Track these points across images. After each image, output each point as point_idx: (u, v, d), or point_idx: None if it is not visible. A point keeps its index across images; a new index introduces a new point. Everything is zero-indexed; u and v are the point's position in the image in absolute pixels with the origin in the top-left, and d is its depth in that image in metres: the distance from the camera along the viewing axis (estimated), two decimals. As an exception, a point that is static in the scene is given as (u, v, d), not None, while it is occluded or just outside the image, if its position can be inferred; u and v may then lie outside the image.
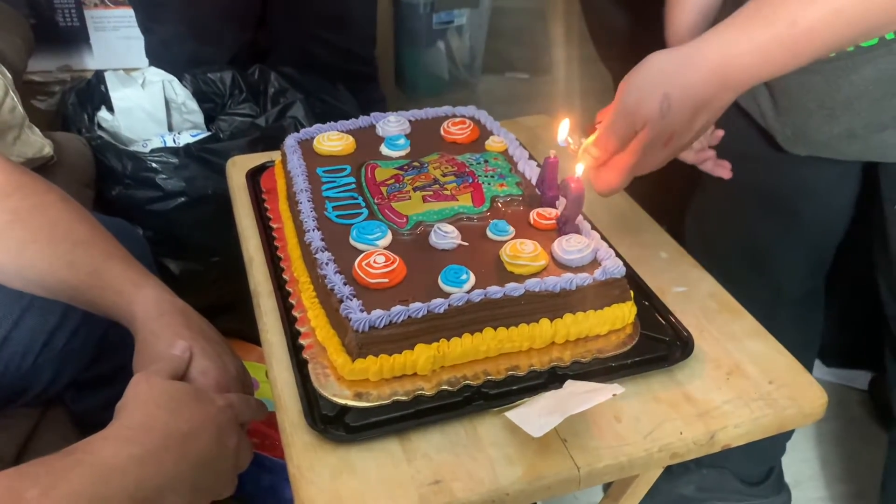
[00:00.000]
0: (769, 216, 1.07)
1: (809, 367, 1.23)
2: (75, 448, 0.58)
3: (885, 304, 0.99)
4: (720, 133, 0.91)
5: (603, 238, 0.75)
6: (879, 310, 1.02)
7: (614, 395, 0.60)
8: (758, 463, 1.35)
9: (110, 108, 1.46)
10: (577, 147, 0.73)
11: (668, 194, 1.51)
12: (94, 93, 1.46)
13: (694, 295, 0.78)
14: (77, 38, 1.83)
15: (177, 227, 1.38)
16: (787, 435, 1.32)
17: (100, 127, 1.44)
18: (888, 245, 0.94)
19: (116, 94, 1.44)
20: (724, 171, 0.93)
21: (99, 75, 1.47)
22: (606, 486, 1.37)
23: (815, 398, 0.68)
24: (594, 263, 0.70)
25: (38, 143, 1.19)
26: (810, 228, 1.07)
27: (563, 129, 0.76)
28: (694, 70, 0.64)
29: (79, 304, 0.77)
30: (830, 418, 1.54)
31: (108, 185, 1.36)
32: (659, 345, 0.71)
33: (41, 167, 1.20)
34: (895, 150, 0.83)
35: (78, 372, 0.97)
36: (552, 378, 0.67)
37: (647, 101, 0.65)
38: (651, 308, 0.75)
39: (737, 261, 1.01)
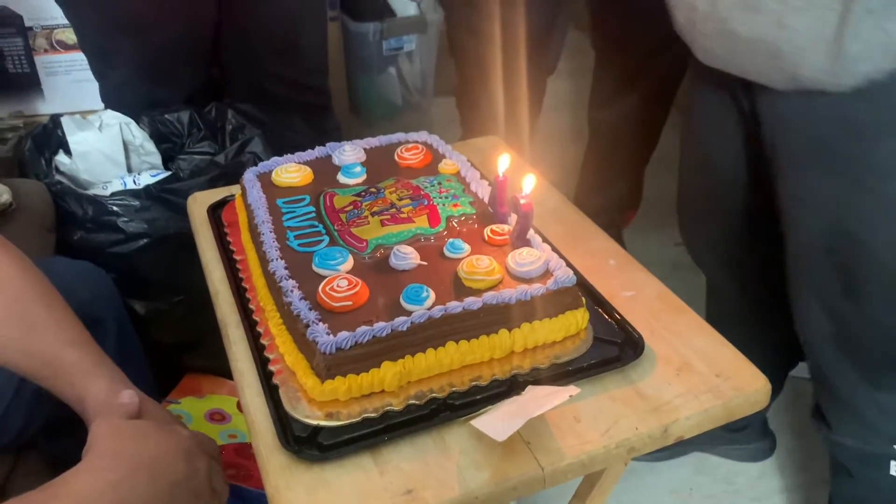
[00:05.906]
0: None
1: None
2: (51, 484, 0.60)
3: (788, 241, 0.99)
4: None
5: (554, 249, 0.79)
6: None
7: (571, 396, 0.64)
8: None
9: (68, 152, 1.46)
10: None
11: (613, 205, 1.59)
12: (50, 137, 1.47)
13: (642, 297, 0.82)
14: (29, 83, 1.83)
15: (140, 268, 1.39)
16: None
17: (58, 171, 1.45)
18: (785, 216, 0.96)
19: (73, 138, 1.45)
20: None
21: (55, 119, 1.47)
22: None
23: (760, 387, 0.72)
24: (546, 274, 0.74)
25: (-4, 190, 1.20)
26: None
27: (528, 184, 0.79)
28: None
29: (32, 381, 0.78)
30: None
31: (69, 229, 1.36)
32: (612, 347, 0.75)
33: (0, 214, 1.21)
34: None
35: (49, 415, 0.98)
36: (514, 385, 0.70)
37: None
38: (603, 312, 0.79)
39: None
